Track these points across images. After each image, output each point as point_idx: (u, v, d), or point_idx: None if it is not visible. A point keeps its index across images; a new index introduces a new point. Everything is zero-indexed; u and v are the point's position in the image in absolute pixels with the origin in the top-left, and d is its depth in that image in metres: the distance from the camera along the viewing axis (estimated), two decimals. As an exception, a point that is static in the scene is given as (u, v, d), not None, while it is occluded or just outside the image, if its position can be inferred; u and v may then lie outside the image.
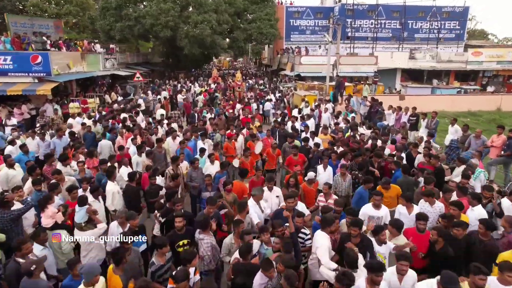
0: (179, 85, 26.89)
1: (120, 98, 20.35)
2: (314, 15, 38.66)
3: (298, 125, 11.61)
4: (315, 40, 39.08)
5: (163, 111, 15.09)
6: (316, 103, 16.40)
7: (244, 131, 10.85)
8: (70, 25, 42.08)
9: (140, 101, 18.98)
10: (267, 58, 46.77)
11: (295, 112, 15.67)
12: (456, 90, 23.10)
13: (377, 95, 21.89)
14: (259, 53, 36.45)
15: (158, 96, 19.83)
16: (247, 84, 26.45)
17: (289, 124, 11.53)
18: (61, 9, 41.30)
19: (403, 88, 24.20)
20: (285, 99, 19.33)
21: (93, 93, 19.84)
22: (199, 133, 10.12)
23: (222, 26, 28.93)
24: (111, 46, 26.15)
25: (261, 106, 17.73)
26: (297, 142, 9.02)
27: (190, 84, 26.16)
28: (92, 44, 21.85)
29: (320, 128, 11.78)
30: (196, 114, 13.02)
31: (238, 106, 16.51)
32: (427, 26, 36.98)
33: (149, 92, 22.03)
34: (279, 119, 12.71)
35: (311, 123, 12.79)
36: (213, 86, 24.30)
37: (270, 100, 18.13)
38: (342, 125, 11.56)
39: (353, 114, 13.83)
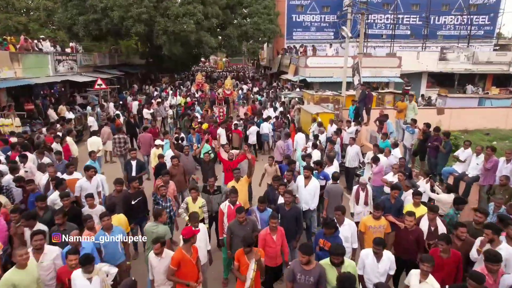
0: (155, 92, 21.77)
1: (69, 114, 15.24)
2: (320, 9, 33.46)
3: (316, 182, 6.45)
4: (321, 38, 34.01)
5: (98, 142, 9.97)
6: (334, 128, 11.29)
7: (225, 207, 5.58)
8: (42, 22, 37.05)
9: (91, 119, 13.86)
10: (266, 58, 41.57)
11: (300, 140, 10.59)
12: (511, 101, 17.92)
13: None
14: (256, 53, 31.27)
15: (117, 112, 14.61)
16: (240, 91, 21.29)
17: (297, 185, 6.36)
18: (30, 2, 36.40)
19: (439, 98, 19.02)
20: (289, 115, 14.18)
21: (29, 107, 14.77)
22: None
23: (210, 20, 23.77)
24: (71, 44, 21.02)
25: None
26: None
27: (171, 92, 20.98)
28: (35, 41, 16.69)
29: (358, 192, 6.56)
30: (133, 162, 7.68)
31: (220, 130, 11.38)
32: (451, 21, 31.83)
33: (110, 104, 16.91)
34: (280, 166, 7.53)
35: (333, 170, 7.62)
36: (196, 95, 19.09)
37: (269, 118, 12.93)
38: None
39: (397, 153, 8.68)
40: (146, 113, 14.67)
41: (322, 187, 6.91)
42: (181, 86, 24.93)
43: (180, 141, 10.25)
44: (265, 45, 38.15)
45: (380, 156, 8.09)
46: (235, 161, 7.79)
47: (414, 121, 9.73)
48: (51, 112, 15.22)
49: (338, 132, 10.44)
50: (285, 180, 6.58)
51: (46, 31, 33.29)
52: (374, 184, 7.89)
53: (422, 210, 5.30)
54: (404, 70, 22.67)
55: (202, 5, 22.68)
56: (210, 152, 9.44)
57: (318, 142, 9.58)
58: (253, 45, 28.98)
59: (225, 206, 5.40)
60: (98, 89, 18.30)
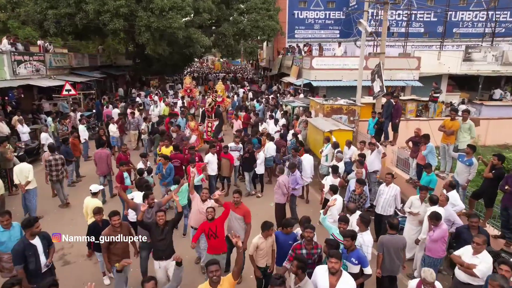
0: (137, 98, 18.91)
1: (23, 128, 12.35)
2: (324, 5, 30.71)
3: (349, 280, 3.58)
4: (325, 36, 31.20)
5: (27, 170, 7.28)
6: (352, 150, 8.47)
7: None
8: (24, 19, 34.20)
9: (44, 136, 10.99)
10: (265, 59, 38.68)
11: (307, 164, 7.81)
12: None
13: (437, 118, 13.95)
14: (254, 53, 28.41)
15: (82, 126, 11.69)
16: (235, 97, 18.40)
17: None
18: (12, -1, 33.52)
19: (472, 106, 16.15)
20: (294, 130, 11.25)
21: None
22: None
23: (202, 16, 20.94)
24: (38, 43, 18.17)
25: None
26: None
27: (156, 98, 18.05)
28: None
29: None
30: (35, 243, 4.17)
31: (210, 156, 8.46)
32: (469, 18, 28.99)
33: (77, 115, 14.04)
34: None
35: (368, 238, 4.74)
36: (180, 103, 16.17)
37: (273, 139, 9.97)
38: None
39: (456, 199, 5.87)
40: (112, 129, 11.78)
41: (354, 275, 4.05)
42: (169, 91, 22.09)
43: (147, 174, 7.41)
44: (264, 44, 35.33)
45: (439, 209, 5.25)
46: (219, 220, 4.89)
47: (473, 148, 6.83)
48: (0, 126, 12.33)
49: (363, 160, 7.54)
50: (291, 277, 3.71)
51: (28, 29, 30.49)
52: (431, 255, 5.07)
53: None
54: (422, 72, 19.83)
55: (193, -2, 19.92)
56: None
57: (339, 179, 6.72)
58: (251, 44, 26.12)
59: None
60: (66, 95, 15.51)
